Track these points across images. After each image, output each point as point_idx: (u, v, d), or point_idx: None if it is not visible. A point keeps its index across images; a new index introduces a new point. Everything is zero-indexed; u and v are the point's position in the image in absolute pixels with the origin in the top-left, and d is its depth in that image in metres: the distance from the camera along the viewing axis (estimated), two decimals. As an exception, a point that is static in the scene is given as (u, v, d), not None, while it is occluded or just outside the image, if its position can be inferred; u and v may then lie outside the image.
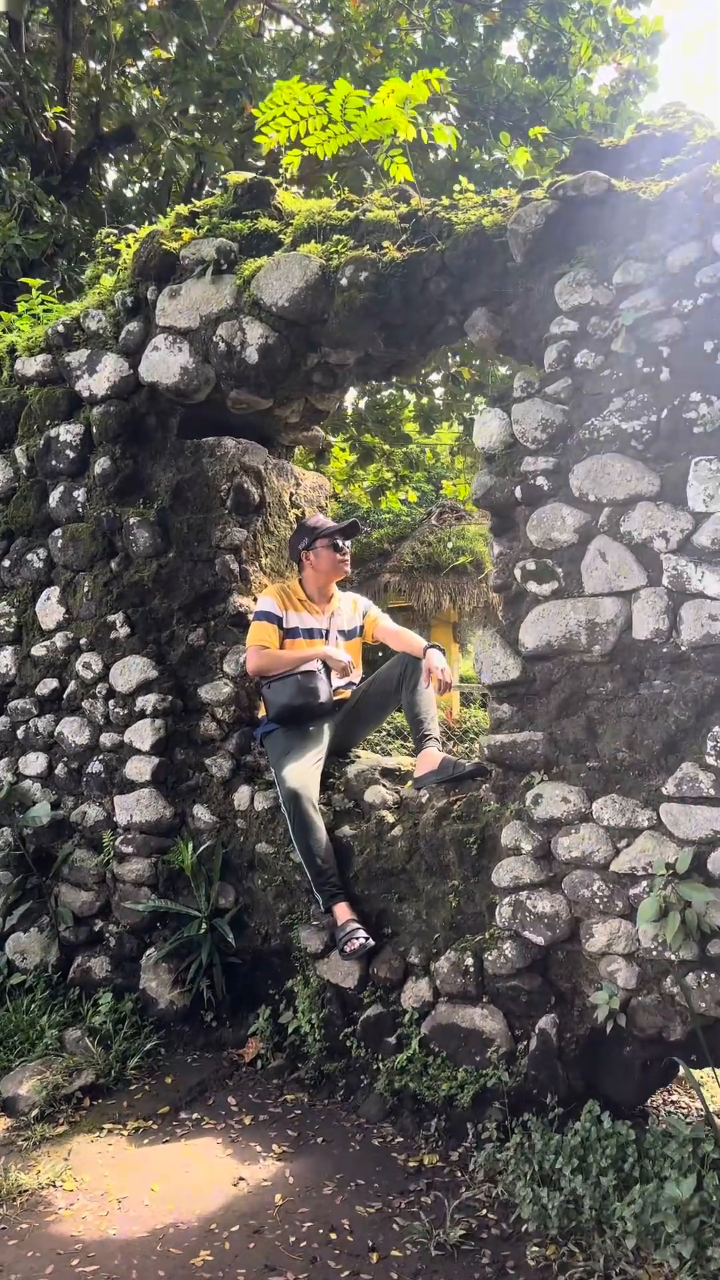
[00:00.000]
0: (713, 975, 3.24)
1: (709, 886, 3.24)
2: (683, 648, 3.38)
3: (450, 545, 14.78)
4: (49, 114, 10.48)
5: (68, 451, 4.88)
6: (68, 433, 4.89)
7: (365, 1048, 3.96)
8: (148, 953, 4.48)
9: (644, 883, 3.40)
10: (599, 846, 3.46)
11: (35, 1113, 3.81)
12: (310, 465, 10.64)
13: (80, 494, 4.87)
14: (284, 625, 4.51)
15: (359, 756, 4.63)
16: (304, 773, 4.17)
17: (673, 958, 3.28)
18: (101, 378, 4.78)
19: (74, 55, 10.98)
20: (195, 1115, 3.88)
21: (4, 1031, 4.37)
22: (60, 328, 4.97)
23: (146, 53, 11.32)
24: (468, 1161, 3.49)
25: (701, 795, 3.30)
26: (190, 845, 4.43)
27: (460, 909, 3.86)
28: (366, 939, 3.91)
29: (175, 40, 10.40)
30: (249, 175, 4.64)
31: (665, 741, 3.42)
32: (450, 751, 4.74)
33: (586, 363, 3.59)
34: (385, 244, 4.14)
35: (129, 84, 11.85)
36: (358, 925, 3.96)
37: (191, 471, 4.71)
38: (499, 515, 3.85)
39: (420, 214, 4.16)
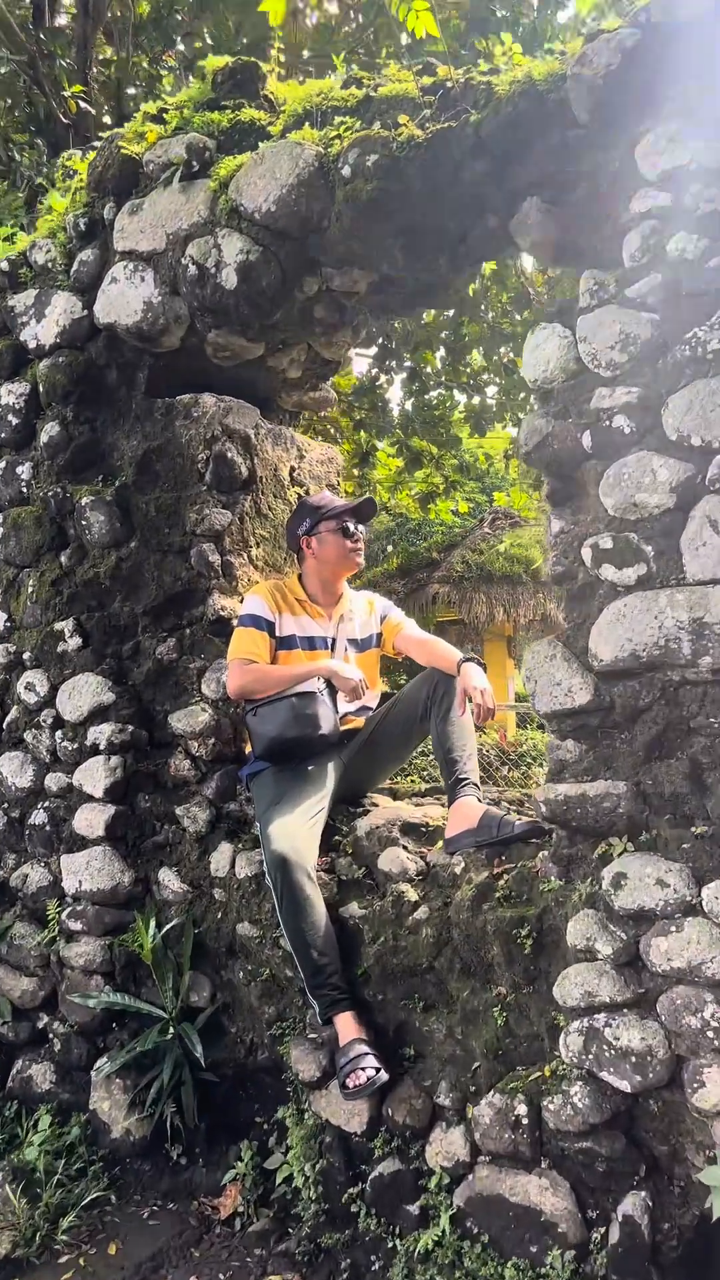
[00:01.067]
0: None
1: None
2: None
3: (503, 552, 13.67)
4: (68, 94, 9.65)
5: (10, 417, 3.89)
6: (10, 394, 3.89)
7: (377, 1217, 2.84)
8: (99, 1063, 3.42)
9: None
10: (713, 954, 2.33)
11: None
12: (354, 471, 9.62)
13: (24, 470, 3.87)
14: (277, 633, 3.45)
15: (375, 805, 3.55)
16: (296, 830, 3.09)
17: None
18: (50, 322, 3.78)
19: (97, 36, 10.15)
20: (142, 1310, 2.81)
21: None
22: (4, 265, 3.98)
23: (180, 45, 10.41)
24: None
25: None
26: (153, 922, 3.37)
27: (510, 1030, 2.75)
28: (377, 1071, 2.80)
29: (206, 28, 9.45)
30: (230, 59, 3.62)
31: None
32: (500, 793, 3.62)
33: (685, 249, 2.48)
34: (402, 119, 3.08)
35: (160, 71, 10.97)
36: (366, 1049, 2.85)
37: (161, 438, 3.68)
38: (559, 476, 2.75)
39: (449, 84, 3.09)
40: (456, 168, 2.99)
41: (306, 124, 3.33)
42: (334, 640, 3.55)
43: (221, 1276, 2.91)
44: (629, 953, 2.48)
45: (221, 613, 3.59)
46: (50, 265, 3.84)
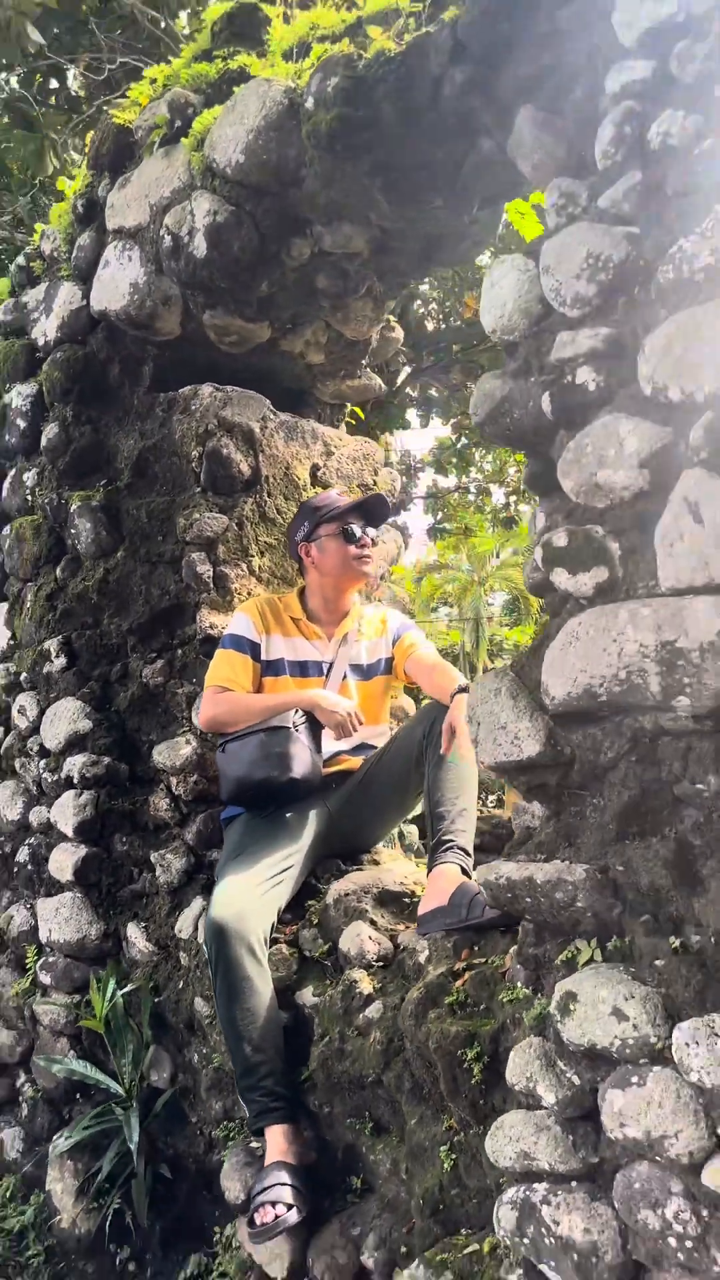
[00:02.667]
0: None
1: None
2: None
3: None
4: None
5: (18, 421, 3.64)
6: (20, 396, 3.64)
7: None
8: (55, 1139, 3.03)
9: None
10: (680, 1125, 1.60)
11: None
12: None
13: (30, 477, 3.60)
14: (263, 656, 2.95)
15: (375, 862, 2.96)
16: (245, 893, 2.56)
17: None
18: (55, 316, 3.51)
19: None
20: None
21: None
22: (22, 260, 3.76)
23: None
24: None
25: None
26: (111, 986, 2.95)
27: (458, 1178, 2.09)
28: (289, 1210, 2.21)
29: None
30: (234, 3, 3.19)
31: None
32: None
33: (670, 133, 1.79)
34: (373, 32, 2.53)
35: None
36: (285, 1177, 2.27)
37: (158, 436, 3.30)
38: (534, 454, 2.10)
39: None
40: (436, 83, 2.42)
41: (298, 57, 2.86)
42: (331, 665, 3.01)
43: None
44: (581, 1105, 1.79)
45: (211, 631, 3.14)
46: (56, 255, 3.58)
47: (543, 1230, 1.78)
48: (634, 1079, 1.68)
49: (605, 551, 1.82)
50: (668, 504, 1.74)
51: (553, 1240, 1.76)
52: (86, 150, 3.54)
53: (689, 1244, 1.59)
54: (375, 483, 3.57)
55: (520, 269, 2.04)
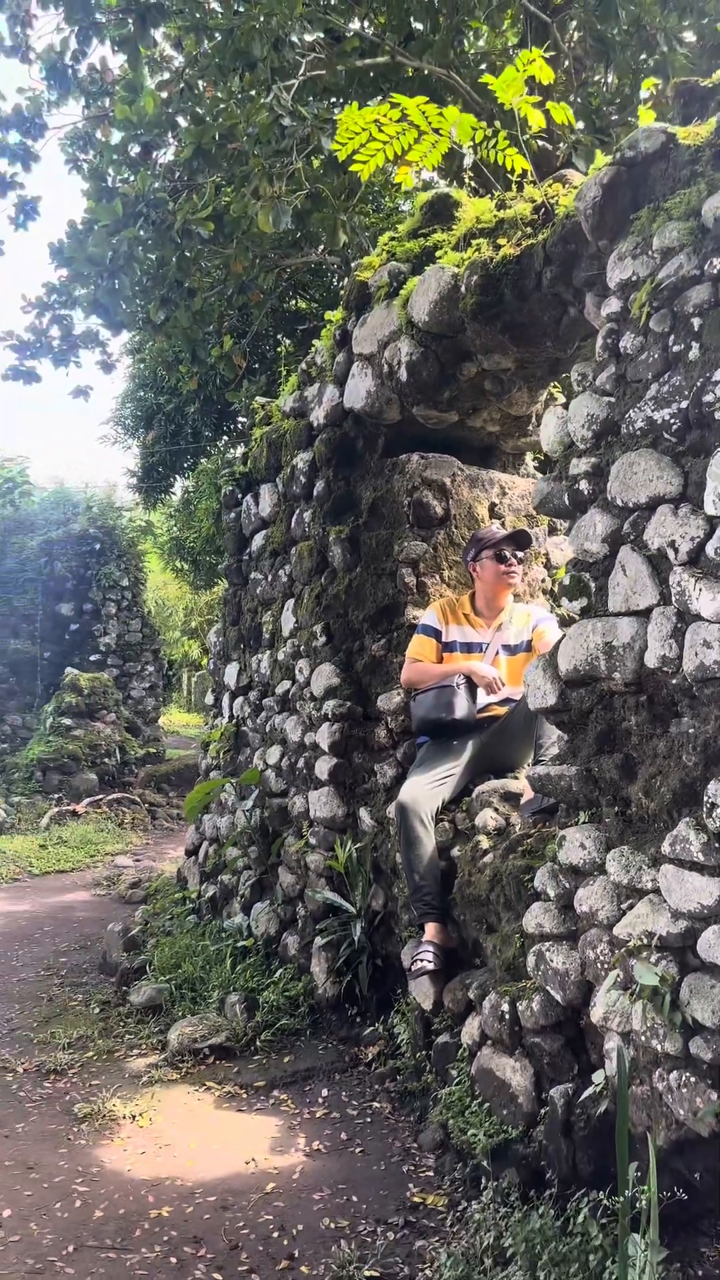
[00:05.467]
0: (691, 1078, 2.66)
1: (698, 971, 2.67)
2: (687, 680, 2.80)
3: None
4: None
5: (301, 477, 5.40)
6: (302, 460, 5.40)
7: (434, 1074, 3.86)
8: (315, 939, 4.82)
9: (645, 953, 2.88)
10: (604, 904, 3.01)
11: (165, 1057, 4.42)
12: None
13: (308, 515, 5.36)
14: (444, 639, 4.51)
15: (516, 777, 4.43)
16: (420, 787, 4.17)
17: (659, 1048, 2.76)
18: (322, 408, 5.21)
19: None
20: (283, 1096, 4.15)
21: (210, 986, 5.05)
22: (304, 365, 5.49)
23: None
24: (466, 1218, 3.28)
25: (691, 860, 2.72)
26: (349, 845, 4.67)
27: (523, 950, 3.58)
28: (426, 963, 3.82)
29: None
30: (433, 192, 4.69)
31: (677, 791, 2.86)
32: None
33: (628, 346, 3.12)
34: (502, 241, 3.94)
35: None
36: (430, 948, 3.88)
37: (384, 489, 4.91)
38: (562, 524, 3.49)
39: (547, 203, 3.88)
40: (539, 275, 3.81)
41: (464, 245, 4.32)
42: (488, 645, 4.50)
43: (343, 1093, 4.15)
44: (567, 899, 3.22)
45: (413, 621, 4.73)
46: (323, 365, 5.27)
47: (546, 966, 3.24)
48: (588, 882, 3.10)
49: (588, 588, 3.20)
50: (615, 564, 3.09)
51: (551, 971, 3.22)
52: (343, 294, 5.20)
53: (604, 967, 2.99)
54: (536, 516, 4.97)
55: (559, 417, 3.42)
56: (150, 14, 8.86)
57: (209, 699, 7.28)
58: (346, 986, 4.63)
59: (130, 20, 8.92)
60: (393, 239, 4.85)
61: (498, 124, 4.00)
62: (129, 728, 15.07)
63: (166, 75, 9.82)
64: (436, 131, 3.80)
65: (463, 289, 4.03)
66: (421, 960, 3.85)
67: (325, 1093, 4.16)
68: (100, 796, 12.62)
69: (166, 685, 22.50)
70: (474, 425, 4.87)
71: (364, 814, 4.77)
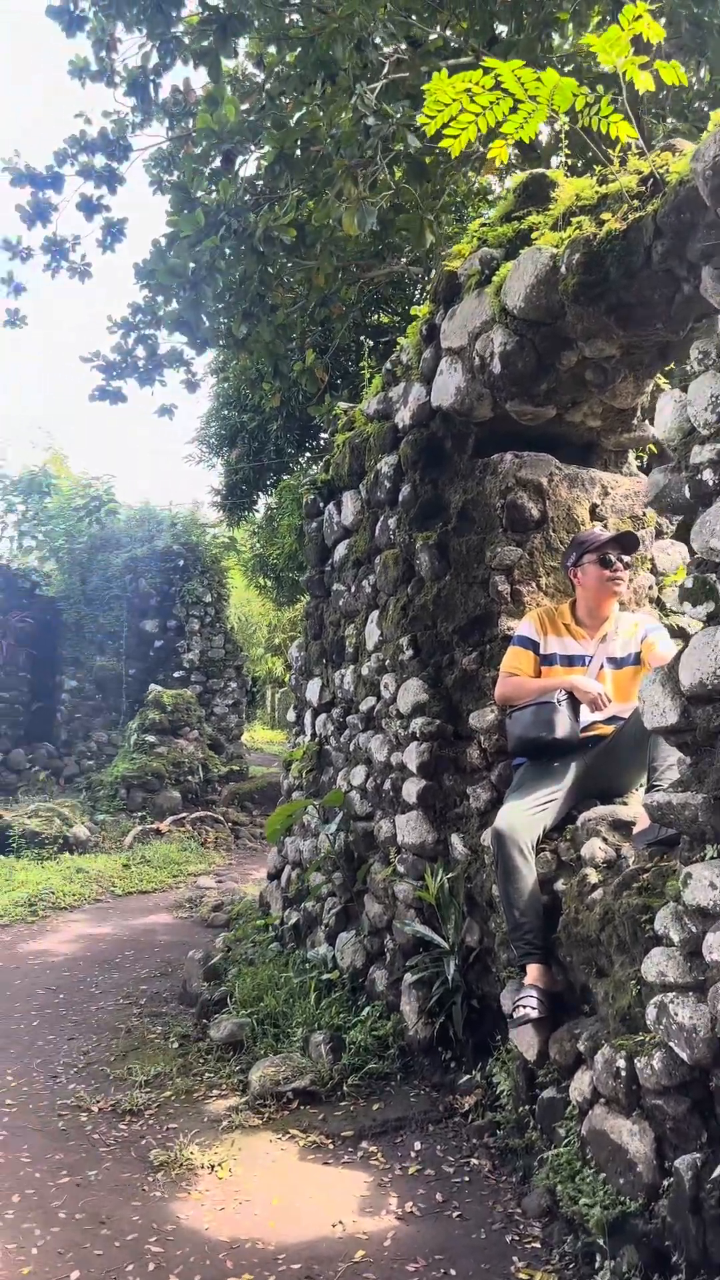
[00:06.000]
0: None
1: None
2: None
3: None
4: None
5: (385, 482, 5.11)
6: (386, 464, 5.11)
7: (539, 1130, 3.49)
8: (404, 976, 4.48)
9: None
10: (740, 953, 2.62)
11: (246, 1100, 4.13)
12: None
13: (392, 522, 5.06)
14: (542, 651, 4.15)
15: (624, 803, 4.04)
16: (518, 813, 3.81)
17: None
18: (408, 408, 4.92)
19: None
20: (372, 1148, 3.81)
21: (293, 1022, 4.75)
22: (389, 364, 5.21)
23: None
24: (579, 1302, 2.91)
25: None
26: (440, 874, 4.33)
27: (640, 999, 3.19)
28: (530, 1010, 3.45)
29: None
30: (527, 173, 4.37)
31: None
32: None
33: (758, 318, 2.75)
34: (606, 216, 3.60)
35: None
36: (534, 993, 3.51)
37: (475, 491, 4.59)
38: (680, 523, 3.11)
39: (656, 173, 3.53)
40: (648, 250, 3.46)
41: (563, 225, 3.99)
42: (591, 658, 4.12)
43: (438, 1147, 3.80)
44: (694, 944, 2.83)
45: (508, 632, 4.38)
46: (409, 363, 4.97)
47: (670, 1020, 2.85)
48: (719, 926, 2.71)
49: (714, 591, 2.83)
50: (748, 563, 2.71)
51: (675, 1025, 2.83)
52: (430, 287, 4.90)
53: (741, 1022, 2.60)
54: (645, 515, 4.59)
55: (676, 400, 3.06)
56: (231, 24, 8.77)
57: (291, 716, 7.03)
58: (439, 1028, 4.28)
59: (211, 33, 8.85)
60: (483, 225, 4.55)
61: (600, 88, 3.66)
62: (212, 745, 14.97)
63: (248, 88, 9.76)
64: (534, 99, 3.48)
65: (563, 269, 3.70)
66: (524, 1007, 3.49)
67: (418, 1146, 3.82)
68: (183, 815, 12.50)
69: (250, 702, 22.47)
70: (573, 420, 4.51)
71: (456, 841, 4.43)
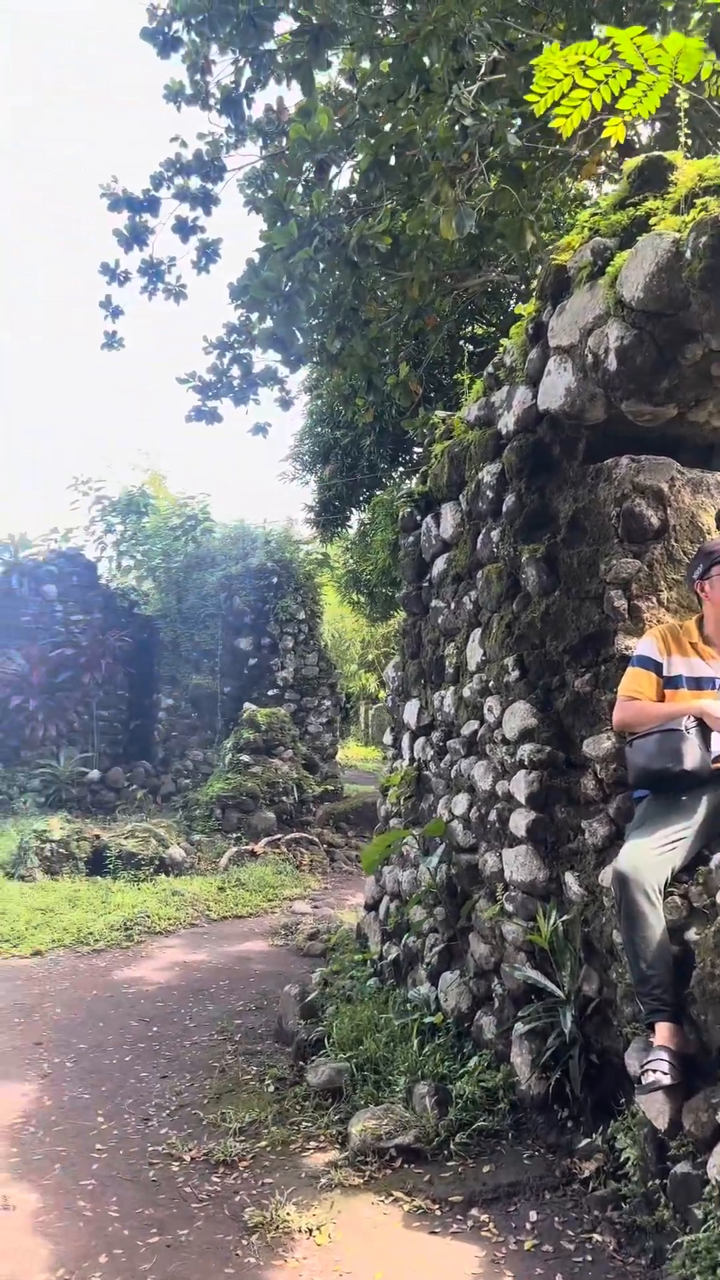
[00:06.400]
0: None
1: None
2: None
3: None
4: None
5: (488, 492, 4.81)
6: (489, 473, 4.82)
7: (671, 1209, 3.11)
8: (516, 1025, 4.14)
9: None
10: None
11: (346, 1155, 3.85)
12: None
13: (495, 534, 4.76)
14: (665, 672, 3.79)
15: (761, 841, 3.64)
16: (643, 852, 3.45)
17: None
18: (512, 413, 4.62)
19: None
20: (483, 1217, 3.49)
21: (394, 1068, 4.46)
22: (491, 367, 4.93)
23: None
24: None
25: None
26: (554, 916, 3.99)
27: (790, 1068, 2.81)
28: (660, 1075, 3.08)
29: None
30: (644, 157, 4.04)
31: None
32: None
33: None
34: (736, 194, 3.26)
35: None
36: (664, 1055, 3.14)
37: (586, 500, 4.26)
38: None
39: None
40: (787, 227, 3.10)
41: (685, 208, 3.65)
42: (722, 681, 3.74)
43: (557, 1221, 3.46)
44: None
45: (625, 652, 4.02)
46: (513, 365, 4.68)
47: None
48: None
49: None
50: None
51: None
52: (536, 282, 4.60)
53: None
54: (781, 521, 4.19)
55: None
56: (324, 35, 8.66)
57: (387, 738, 6.75)
58: (555, 1084, 3.93)
59: (303, 45, 8.76)
60: (594, 214, 4.23)
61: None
62: (306, 764, 14.80)
63: (340, 101, 9.65)
64: (654, 70, 3.16)
65: (687, 254, 3.36)
66: (654, 1070, 3.12)
67: (534, 1216, 3.48)
68: (278, 836, 12.32)
69: (344, 719, 22.30)
70: (696, 420, 4.14)
71: (570, 879, 4.08)
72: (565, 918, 3.98)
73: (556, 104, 3.33)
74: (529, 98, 3.33)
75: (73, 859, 10.37)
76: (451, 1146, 3.88)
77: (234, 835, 12.34)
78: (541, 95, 3.32)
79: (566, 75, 3.26)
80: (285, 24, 9.12)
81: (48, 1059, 5.28)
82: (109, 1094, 4.79)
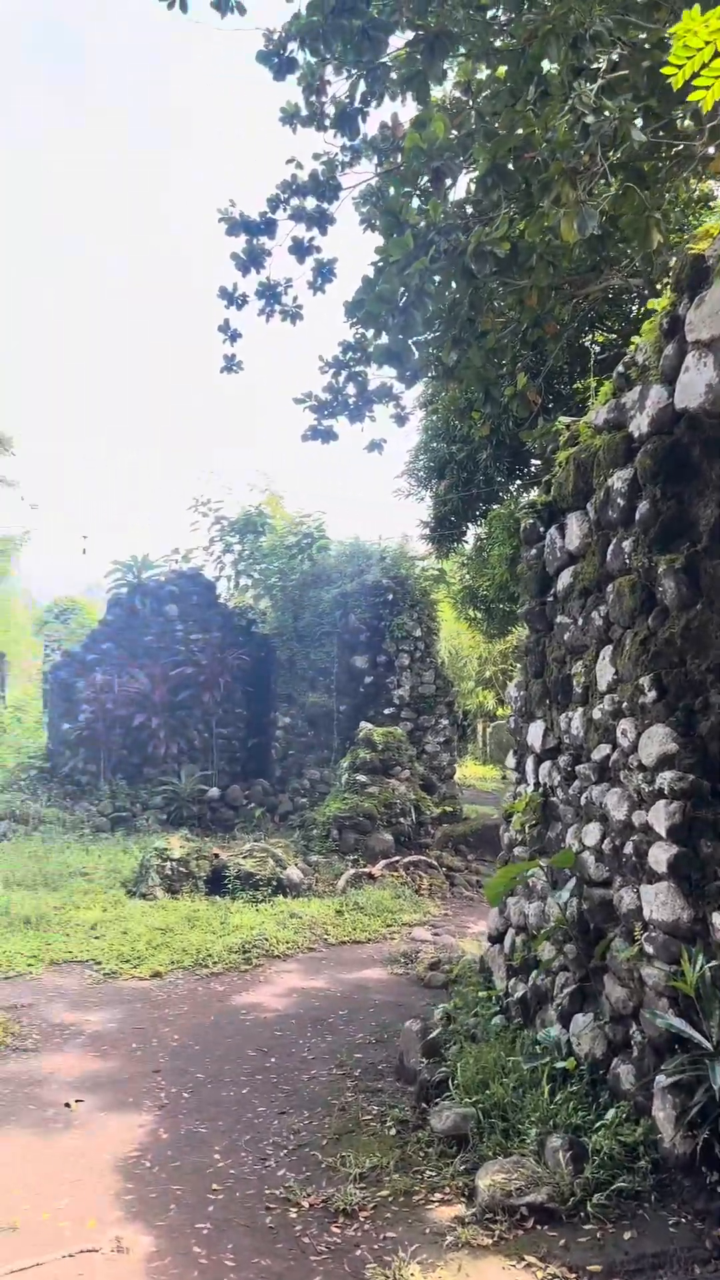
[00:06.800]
0: None
1: None
2: None
3: None
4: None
5: (618, 499, 4.52)
6: (619, 479, 4.52)
7: None
8: (658, 1077, 3.81)
9: None
10: None
11: (474, 1211, 3.59)
12: None
13: (628, 544, 4.45)
14: None
15: None
16: None
17: None
18: (645, 414, 4.32)
19: None
20: (625, 1292, 3.18)
21: (524, 1116, 4.18)
22: (621, 367, 4.64)
23: None
24: None
25: None
26: (700, 961, 3.65)
27: None
28: None
29: None
30: (790, 131, 3.71)
31: None
32: None
33: None
34: None
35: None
36: None
37: (732, 506, 3.93)
38: None
39: None
40: None
41: None
42: None
43: (710, 1300, 3.11)
44: None
45: (779, 672, 3.67)
46: (646, 363, 4.38)
47: None
48: None
49: None
50: None
51: None
52: (672, 274, 4.30)
53: None
54: None
55: None
56: (439, 43, 8.52)
57: (510, 761, 6.46)
58: (703, 1144, 3.59)
59: (419, 54, 8.63)
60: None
61: None
62: (424, 784, 14.53)
63: (455, 111, 9.51)
64: None
65: None
66: None
67: (682, 1296, 3.15)
68: (396, 859, 12.09)
69: (461, 737, 21.94)
70: None
71: (718, 920, 3.74)
72: (713, 963, 3.63)
73: (696, 74, 3.06)
74: (665, 70, 3.08)
75: (192, 878, 10.38)
76: (589, 1207, 3.58)
77: (351, 856, 12.17)
78: (680, 66, 3.06)
79: (708, 43, 2.99)
80: (399, 40, 9.03)
81: (165, 1088, 5.19)
82: (226, 1129, 4.65)
